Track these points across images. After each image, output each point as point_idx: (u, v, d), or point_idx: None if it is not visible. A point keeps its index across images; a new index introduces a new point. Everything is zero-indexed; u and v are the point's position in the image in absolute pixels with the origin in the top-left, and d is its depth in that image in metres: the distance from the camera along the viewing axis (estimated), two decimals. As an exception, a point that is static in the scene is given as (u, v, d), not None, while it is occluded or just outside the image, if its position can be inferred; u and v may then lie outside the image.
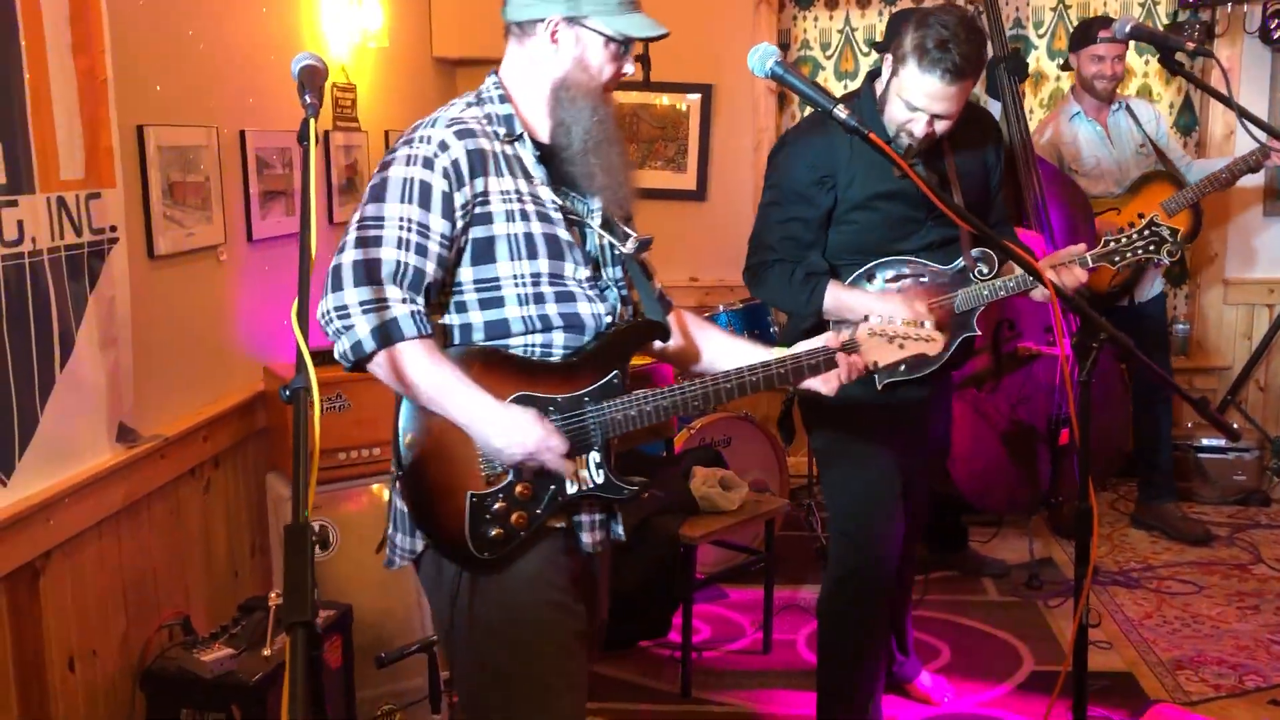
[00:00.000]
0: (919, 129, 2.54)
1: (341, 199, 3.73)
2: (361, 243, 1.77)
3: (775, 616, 3.67)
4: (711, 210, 5.18)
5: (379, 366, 1.77)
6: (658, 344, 2.04)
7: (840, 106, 1.92)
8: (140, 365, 2.48)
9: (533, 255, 1.85)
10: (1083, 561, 2.04)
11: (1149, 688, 3.29)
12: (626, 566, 3.30)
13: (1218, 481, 4.85)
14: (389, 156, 1.85)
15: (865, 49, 5.21)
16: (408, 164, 1.81)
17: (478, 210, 1.83)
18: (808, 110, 3.99)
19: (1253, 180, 4.72)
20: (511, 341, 1.86)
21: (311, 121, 1.66)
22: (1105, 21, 4.22)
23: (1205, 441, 4.86)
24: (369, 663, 2.78)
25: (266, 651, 2.44)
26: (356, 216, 1.81)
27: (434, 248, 1.79)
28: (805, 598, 3.88)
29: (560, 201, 1.91)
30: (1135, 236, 2.66)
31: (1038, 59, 5.17)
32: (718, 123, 5.16)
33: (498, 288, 1.85)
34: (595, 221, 1.96)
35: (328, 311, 1.76)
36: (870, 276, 2.70)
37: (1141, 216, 2.70)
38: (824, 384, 2.02)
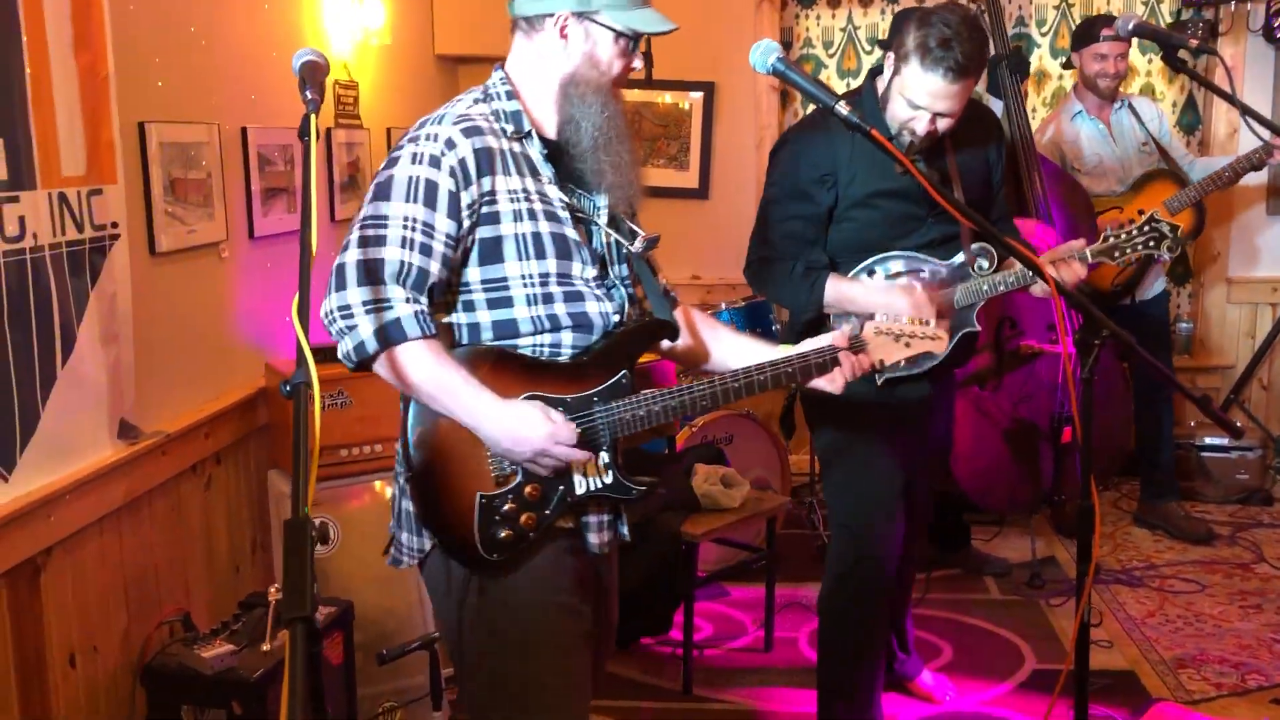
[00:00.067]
0: (921, 127, 2.54)
1: (343, 196, 3.73)
2: (365, 242, 1.76)
3: (777, 614, 3.67)
4: (714, 208, 5.18)
5: (382, 367, 1.76)
6: (665, 343, 2.03)
7: (842, 103, 1.92)
8: (141, 362, 2.48)
9: (540, 255, 1.84)
10: (1084, 560, 2.03)
11: (1151, 686, 3.29)
12: (628, 564, 3.28)
13: (1220, 480, 4.84)
14: (394, 154, 1.82)
15: (868, 47, 5.21)
16: (413, 162, 1.79)
17: (485, 210, 1.81)
18: (810, 108, 3.99)
19: (1256, 178, 4.71)
20: (520, 341, 1.85)
21: (312, 117, 1.65)
22: (1108, 20, 4.21)
23: (1208, 440, 4.85)
24: (370, 660, 2.78)
25: (266, 647, 2.44)
26: (361, 215, 1.79)
27: (439, 248, 1.78)
28: (807, 596, 3.87)
29: (567, 200, 1.89)
30: (1135, 232, 2.65)
31: (1040, 57, 5.16)
32: (720, 121, 5.16)
33: (506, 288, 1.84)
34: (602, 220, 1.95)
35: (331, 311, 1.74)
36: (870, 272, 2.70)
37: (1143, 214, 2.69)
38: (829, 383, 2.02)
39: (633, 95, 5.00)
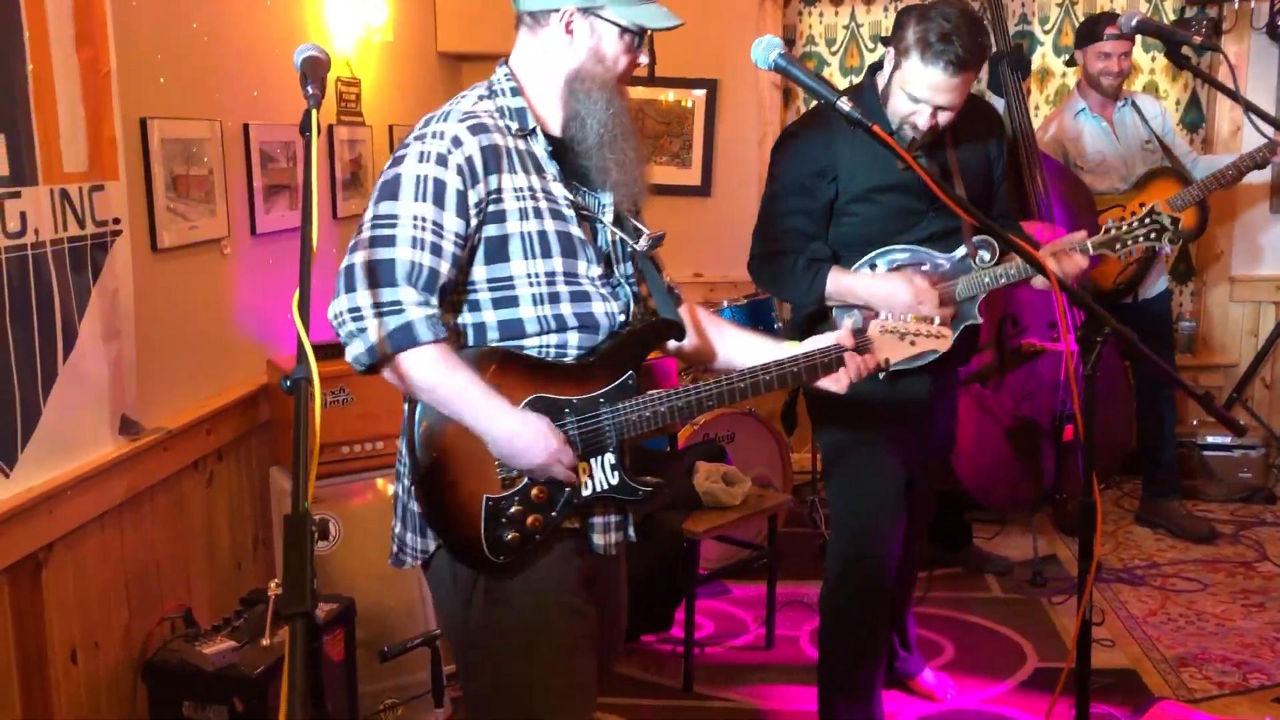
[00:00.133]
0: (922, 121, 2.54)
1: (345, 194, 3.73)
2: (375, 242, 1.74)
3: (778, 612, 3.66)
4: (716, 206, 5.18)
5: (392, 371, 1.74)
6: (672, 343, 2.03)
7: (844, 99, 1.92)
8: (143, 358, 2.48)
9: (546, 254, 1.83)
10: (1086, 557, 2.03)
11: (1153, 685, 3.29)
12: (629, 561, 3.29)
13: (1223, 479, 4.83)
14: (400, 152, 1.81)
15: (871, 44, 5.20)
16: (421, 160, 1.77)
17: (491, 208, 1.80)
18: (813, 105, 3.98)
19: (1259, 177, 4.70)
20: (526, 342, 1.84)
21: (313, 112, 1.64)
22: (1111, 18, 4.21)
23: (1210, 439, 4.84)
24: (372, 657, 2.78)
25: (266, 642, 2.44)
26: (369, 215, 1.78)
27: (449, 247, 1.76)
28: (808, 594, 3.87)
29: (572, 197, 1.89)
30: (1136, 224, 2.65)
31: (1044, 55, 5.15)
32: (723, 118, 5.15)
33: (511, 287, 1.83)
34: (607, 217, 1.94)
35: (340, 313, 1.73)
36: (872, 266, 2.71)
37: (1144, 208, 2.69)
38: (834, 383, 2.01)
39: (636, 93, 4.95)
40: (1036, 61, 5.13)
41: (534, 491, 1.83)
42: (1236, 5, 4.84)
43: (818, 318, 2.73)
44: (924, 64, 2.47)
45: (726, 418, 4.07)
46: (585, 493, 1.87)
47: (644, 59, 1.91)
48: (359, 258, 1.74)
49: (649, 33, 1.89)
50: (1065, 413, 3.98)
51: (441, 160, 1.76)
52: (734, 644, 3.65)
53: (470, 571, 1.85)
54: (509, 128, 1.85)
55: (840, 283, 2.66)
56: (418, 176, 1.76)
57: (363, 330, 1.71)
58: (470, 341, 1.85)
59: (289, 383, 1.39)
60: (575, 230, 1.87)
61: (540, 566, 1.87)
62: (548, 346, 1.85)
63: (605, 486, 1.88)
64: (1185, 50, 2.77)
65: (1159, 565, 4.19)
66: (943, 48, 2.43)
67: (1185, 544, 4.39)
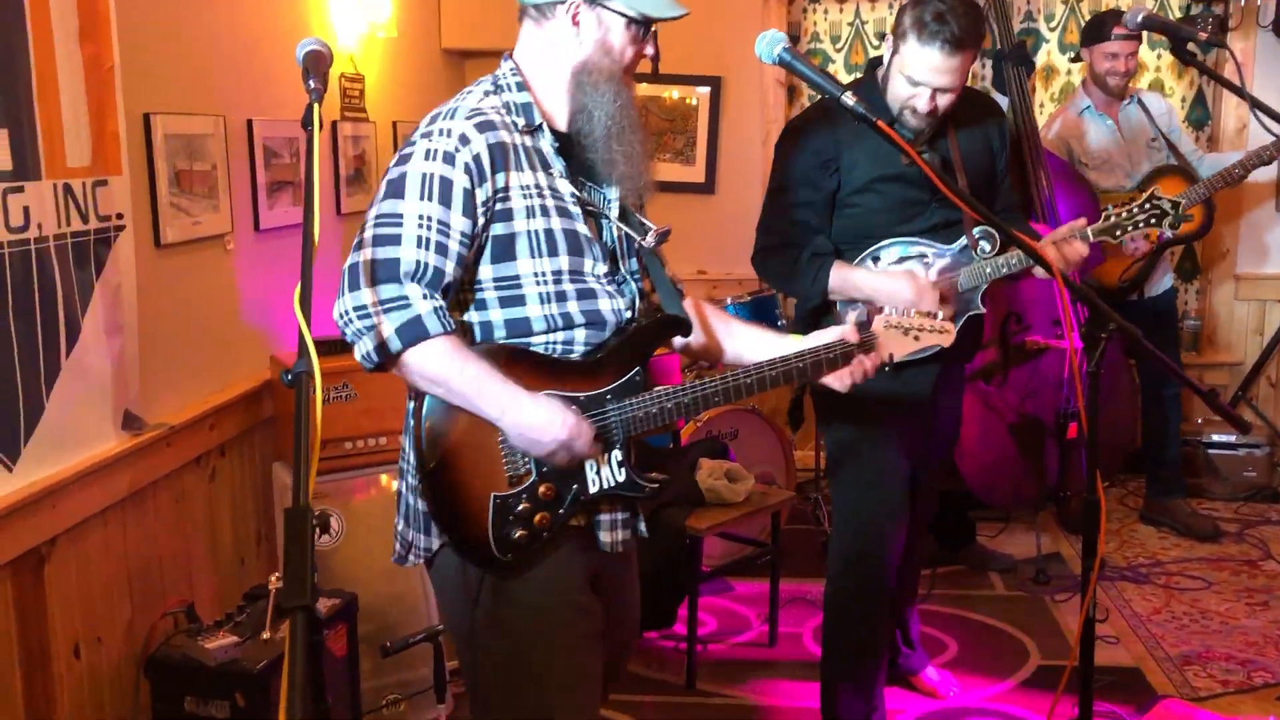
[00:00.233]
0: (922, 104, 2.56)
1: (349, 189, 3.73)
2: (380, 240, 1.73)
3: (781, 609, 3.66)
4: (720, 203, 5.17)
5: (405, 365, 1.73)
6: (678, 340, 2.03)
7: (848, 94, 1.91)
8: (146, 353, 2.48)
9: (553, 252, 1.82)
10: (1090, 555, 2.03)
11: (1156, 683, 3.28)
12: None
13: (1228, 477, 4.82)
14: (407, 149, 1.79)
15: (875, 42, 5.20)
16: (427, 158, 1.75)
17: (498, 206, 1.79)
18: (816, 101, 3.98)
19: (1265, 175, 4.69)
20: (533, 340, 1.84)
21: (315, 106, 1.63)
22: (1117, 16, 4.19)
23: (1215, 437, 4.83)
24: (374, 652, 2.78)
25: (266, 635, 2.44)
26: (374, 212, 1.77)
27: (454, 246, 1.75)
28: (811, 591, 3.87)
29: (579, 194, 1.88)
30: (1136, 210, 2.64)
31: (1048, 52, 5.14)
32: (726, 115, 5.15)
33: (518, 286, 1.82)
34: (613, 213, 1.93)
35: (346, 312, 1.72)
36: (875, 259, 2.71)
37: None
38: (837, 381, 2.01)
39: (640, 90, 4.98)
40: (1041, 59, 5.12)
41: (542, 489, 1.83)
42: (1243, 2, 4.83)
43: (822, 311, 2.74)
44: (921, 45, 2.50)
45: (730, 415, 4.06)
46: (592, 490, 1.86)
47: (649, 50, 1.90)
48: (363, 256, 1.73)
49: (655, 24, 1.88)
50: (1069, 410, 3.98)
51: (448, 158, 1.75)
52: (737, 641, 3.64)
53: (477, 569, 1.85)
54: (515, 124, 1.84)
55: (843, 277, 2.67)
56: (424, 174, 1.75)
57: (371, 328, 1.70)
58: (477, 339, 1.84)
59: (290, 376, 1.39)
60: (581, 228, 1.86)
61: (547, 564, 1.86)
62: (555, 344, 1.85)
63: (612, 483, 1.87)
64: (1191, 47, 2.75)
65: (1163, 563, 4.18)
66: (938, 27, 2.47)
67: (1190, 542, 4.38)
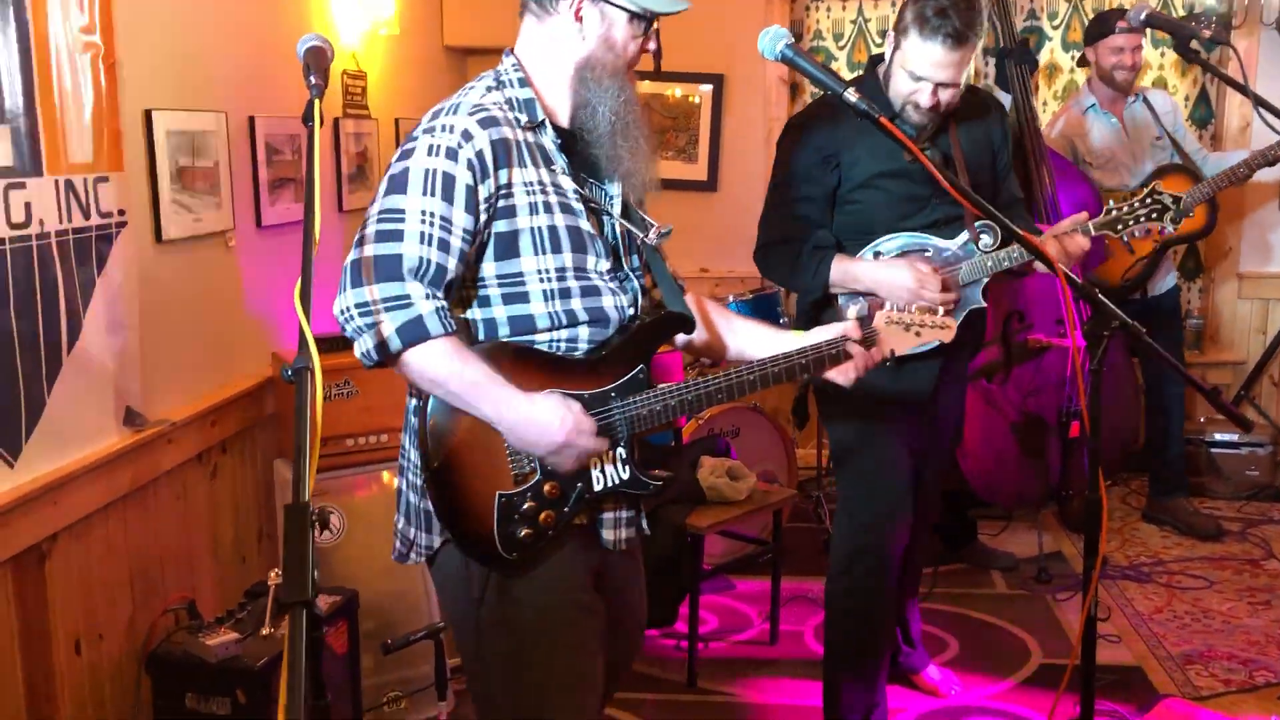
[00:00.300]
0: (924, 99, 2.56)
1: (351, 186, 3.73)
2: (382, 237, 1.72)
3: (782, 607, 3.66)
4: (722, 201, 5.17)
5: (405, 365, 1.73)
6: (681, 337, 2.02)
7: (851, 90, 1.91)
8: (147, 350, 2.48)
9: (557, 249, 1.82)
10: (1091, 553, 2.02)
11: (1158, 682, 3.28)
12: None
13: (1230, 476, 4.81)
14: (409, 145, 1.78)
15: (878, 39, 5.19)
16: (430, 154, 1.74)
17: (501, 203, 1.78)
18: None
19: (1269, 174, 4.66)
20: (537, 337, 1.83)
21: (316, 102, 1.62)
22: (1121, 13, 4.18)
23: (1218, 436, 4.82)
24: (375, 649, 2.78)
25: (266, 631, 2.44)
26: (376, 209, 1.76)
27: (457, 243, 1.75)
28: (812, 589, 3.86)
29: (581, 191, 1.87)
30: (1137, 205, 2.65)
31: (1051, 51, 5.13)
32: (729, 113, 5.15)
33: (522, 283, 1.81)
34: (615, 209, 1.93)
35: (348, 308, 1.71)
36: (876, 254, 2.71)
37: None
38: (841, 375, 2.00)
39: (642, 87, 4.98)
40: (1044, 57, 5.11)
41: (546, 487, 1.82)
42: (1246, 1, 4.82)
43: (823, 305, 2.74)
44: (922, 40, 2.51)
45: (732, 413, 4.06)
46: (597, 487, 1.86)
47: (652, 45, 1.90)
48: (365, 252, 1.72)
49: (658, 18, 1.88)
50: (1071, 409, 3.97)
51: (451, 154, 1.74)
52: (738, 639, 3.64)
53: (481, 568, 1.84)
54: (517, 120, 1.83)
55: (844, 269, 2.67)
56: (426, 170, 1.74)
57: (372, 326, 1.70)
58: (480, 337, 1.84)
59: (290, 372, 1.39)
60: (584, 224, 1.86)
61: (551, 563, 1.86)
62: (558, 341, 1.84)
63: (616, 481, 1.87)
64: (1194, 45, 2.75)
65: (1165, 562, 4.17)
66: (940, 22, 2.48)
67: (1192, 541, 4.37)
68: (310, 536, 1.24)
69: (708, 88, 5.11)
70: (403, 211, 1.73)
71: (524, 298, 1.82)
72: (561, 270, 1.82)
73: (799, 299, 2.88)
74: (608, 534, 1.92)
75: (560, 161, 1.86)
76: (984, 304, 2.73)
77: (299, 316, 1.44)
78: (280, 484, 3.09)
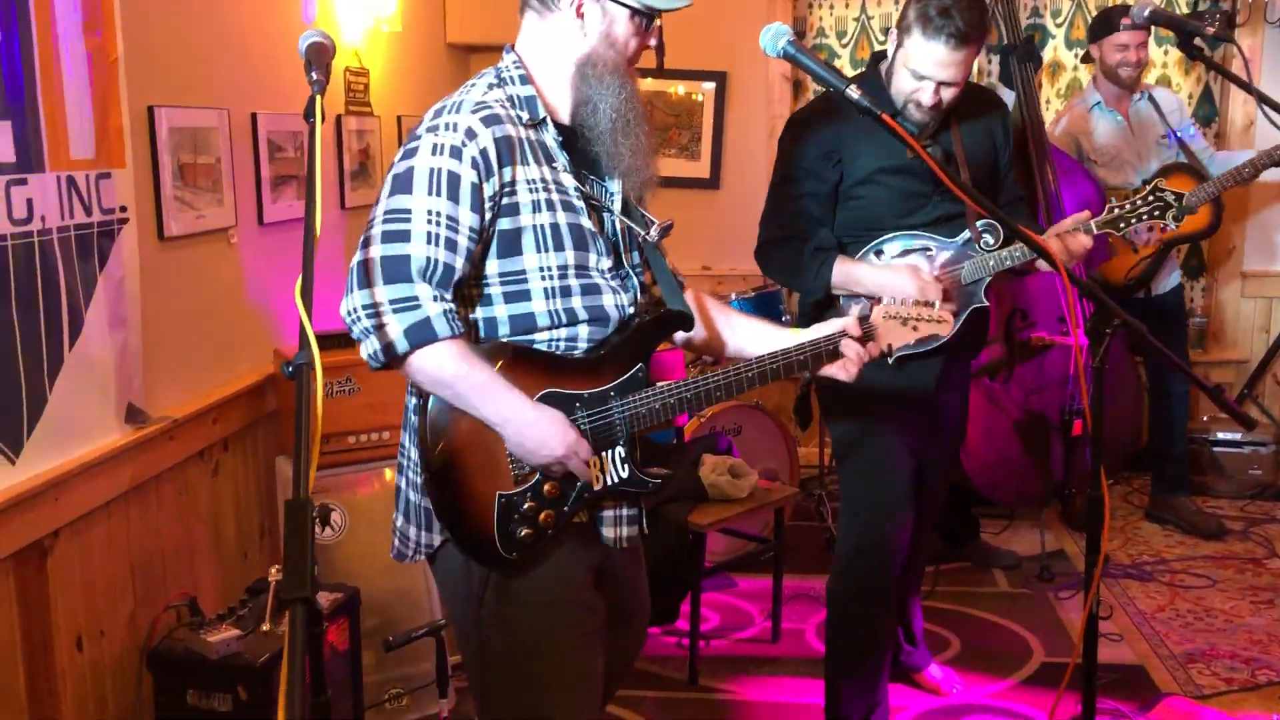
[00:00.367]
0: (926, 98, 2.56)
1: (353, 184, 3.73)
2: (389, 237, 1.72)
3: (784, 605, 3.66)
4: (725, 198, 5.17)
5: (412, 367, 1.73)
6: (680, 334, 2.02)
7: (853, 87, 1.91)
8: (149, 346, 2.48)
9: (559, 247, 1.82)
10: (1093, 550, 2.02)
11: (1160, 681, 3.27)
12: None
13: (1233, 475, 4.80)
14: (412, 144, 1.78)
15: (881, 37, 5.18)
16: (434, 153, 1.74)
17: (505, 201, 1.78)
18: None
19: (1273, 173, 4.66)
20: (537, 336, 1.83)
21: (317, 98, 1.62)
22: (1125, 10, 4.17)
23: (1221, 435, 4.81)
24: (377, 646, 2.78)
25: (266, 627, 2.44)
26: (381, 209, 1.75)
27: (463, 242, 1.74)
28: (814, 587, 3.86)
29: (583, 188, 1.87)
30: (1140, 202, 2.64)
31: (1055, 48, 5.13)
32: (732, 110, 5.14)
33: (524, 281, 1.81)
34: (615, 206, 1.93)
35: (355, 309, 1.70)
36: (878, 253, 2.71)
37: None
38: (843, 372, 2.00)
39: (645, 85, 4.98)
40: (1048, 55, 5.11)
41: (546, 487, 1.82)
42: (1250, -1, 4.82)
43: (825, 305, 2.73)
44: (926, 39, 2.50)
45: (734, 411, 4.06)
46: (596, 486, 1.86)
47: (653, 42, 1.89)
48: (371, 253, 1.72)
49: (659, 15, 1.87)
50: (1074, 407, 3.97)
51: (455, 153, 1.74)
52: (739, 637, 3.64)
53: (482, 567, 1.84)
54: (519, 117, 1.83)
55: (846, 272, 2.67)
56: (431, 170, 1.73)
57: (379, 327, 1.69)
58: (481, 335, 1.84)
59: (291, 368, 1.39)
60: (586, 222, 1.86)
61: (551, 562, 1.86)
62: (558, 340, 1.84)
63: (616, 480, 1.87)
64: (1198, 42, 2.74)
65: (1168, 561, 4.17)
66: (943, 21, 2.47)
67: (1194, 540, 4.37)
68: (311, 533, 1.23)
69: (710, 85, 5.11)
70: (409, 211, 1.73)
71: (525, 296, 1.82)
72: (563, 268, 1.82)
73: (800, 299, 2.87)
74: (608, 532, 1.92)
75: (562, 159, 1.86)
76: (986, 303, 2.73)
77: (300, 313, 1.43)
78: (282, 481, 3.09)
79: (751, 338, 2.09)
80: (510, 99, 1.84)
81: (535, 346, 1.84)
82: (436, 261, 1.72)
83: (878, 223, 2.70)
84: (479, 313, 1.83)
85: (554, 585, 1.87)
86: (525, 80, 1.87)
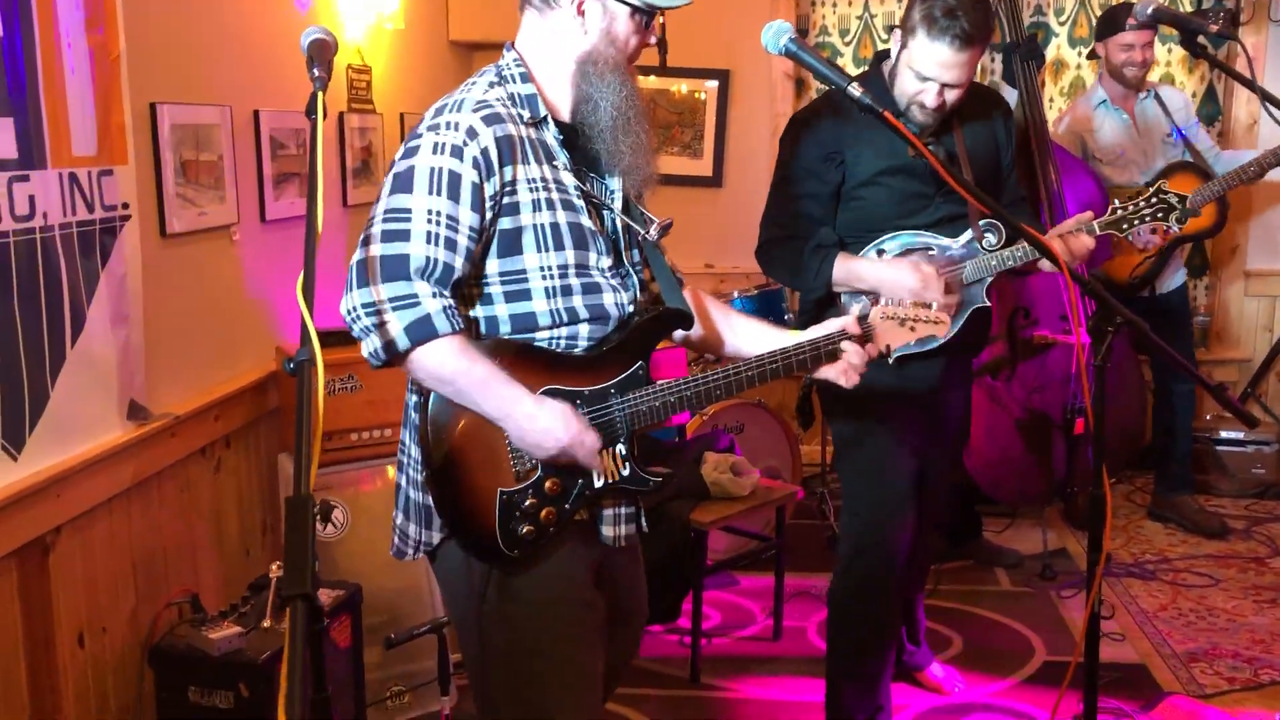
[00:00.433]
0: (930, 99, 2.55)
1: (356, 181, 3.73)
2: (388, 236, 1.72)
3: (786, 604, 3.66)
4: (727, 196, 5.16)
5: (413, 364, 1.73)
6: (679, 332, 2.02)
7: (855, 85, 1.90)
8: (151, 343, 2.48)
9: (559, 246, 1.82)
10: (1095, 549, 2.02)
11: (1162, 680, 3.27)
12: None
13: (1236, 474, 4.80)
14: (413, 143, 1.78)
15: (885, 35, 5.18)
16: (435, 152, 1.74)
17: (506, 201, 1.78)
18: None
19: (1278, 172, 4.66)
20: (538, 334, 1.83)
21: (319, 94, 1.62)
22: (1130, 8, 4.16)
23: (1224, 434, 4.81)
24: (379, 644, 2.78)
25: (267, 623, 2.44)
26: (381, 207, 1.75)
27: (463, 242, 1.74)
28: (816, 585, 3.86)
29: (583, 186, 1.87)
30: (1143, 204, 2.63)
31: (1058, 46, 5.12)
32: (735, 108, 5.14)
33: (524, 280, 1.81)
34: (616, 205, 1.93)
35: (354, 308, 1.71)
36: (880, 251, 2.70)
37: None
38: (843, 377, 2.00)
39: (648, 83, 4.98)
40: (1051, 53, 5.10)
41: (548, 484, 1.82)
42: (1254, -4, 4.80)
43: (826, 304, 2.73)
44: (930, 40, 2.49)
45: (736, 409, 4.06)
46: (598, 484, 1.86)
47: (653, 39, 1.90)
48: (371, 252, 1.72)
49: (659, 12, 1.87)
50: (1076, 406, 3.96)
51: (456, 152, 1.74)
52: (741, 635, 3.64)
53: (483, 565, 1.84)
54: (520, 116, 1.83)
55: (847, 268, 2.66)
56: (432, 169, 1.73)
57: (380, 325, 1.69)
58: (482, 333, 1.84)
59: (292, 364, 1.39)
60: (586, 221, 1.86)
61: (552, 560, 1.86)
62: (559, 339, 1.85)
63: (617, 478, 1.87)
64: (1201, 40, 2.73)
65: (1170, 560, 4.16)
66: (948, 23, 2.45)
67: (1197, 539, 4.36)
68: (312, 529, 1.23)
69: (713, 83, 5.10)
70: (409, 211, 1.73)
71: (526, 295, 1.82)
72: (564, 267, 1.82)
73: (801, 297, 2.87)
74: (607, 530, 1.92)
75: (562, 157, 1.86)
76: (988, 304, 2.72)
77: (302, 310, 1.43)
78: (284, 478, 3.09)
79: (750, 338, 2.09)
80: (511, 97, 1.84)
81: (536, 344, 1.84)
82: (436, 261, 1.72)
83: (879, 224, 2.68)
84: (480, 311, 1.83)
85: (555, 583, 1.87)
86: (526, 78, 1.86)
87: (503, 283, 1.81)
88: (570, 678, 1.89)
